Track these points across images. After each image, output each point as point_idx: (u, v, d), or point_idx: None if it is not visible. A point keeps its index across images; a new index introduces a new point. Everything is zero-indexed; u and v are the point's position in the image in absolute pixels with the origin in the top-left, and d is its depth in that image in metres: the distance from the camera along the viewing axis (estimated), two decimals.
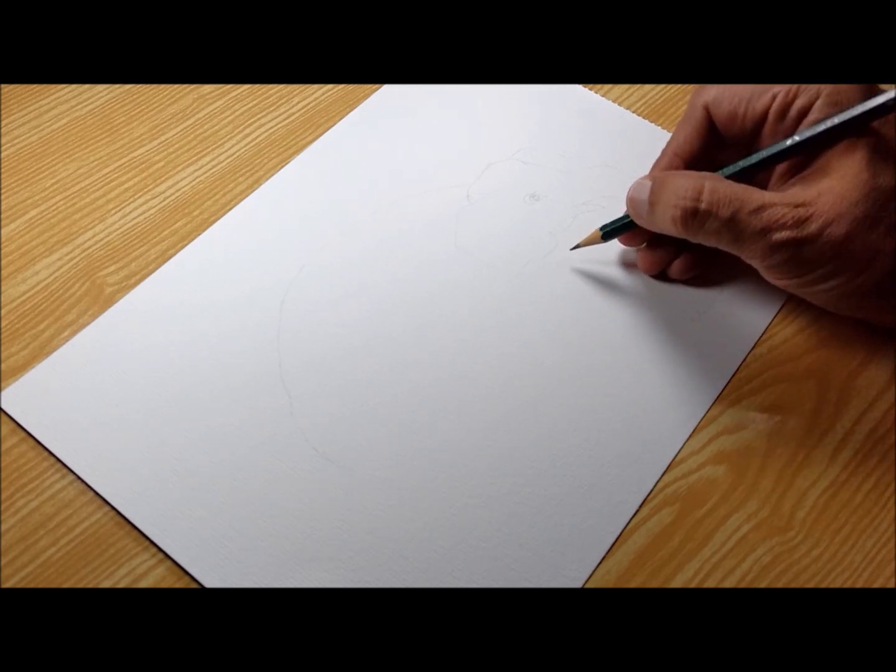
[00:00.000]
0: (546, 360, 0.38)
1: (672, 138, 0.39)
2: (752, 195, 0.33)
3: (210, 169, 0.44)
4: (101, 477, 0.34)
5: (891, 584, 0.33)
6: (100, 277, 0.40)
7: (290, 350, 0.37)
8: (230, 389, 0.36)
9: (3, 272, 0.40)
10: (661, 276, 0.40)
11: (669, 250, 0.39)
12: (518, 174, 0.44)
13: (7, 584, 0.32)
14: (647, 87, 0.48)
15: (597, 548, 0.33)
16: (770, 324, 0.39)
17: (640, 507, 0.34)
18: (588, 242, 0.40)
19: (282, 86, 0.47)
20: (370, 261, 0.40)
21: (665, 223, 0.35)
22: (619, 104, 0.47)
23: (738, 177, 0.35)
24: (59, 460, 0.34)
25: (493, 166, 0.44)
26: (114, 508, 0.33)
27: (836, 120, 0.33)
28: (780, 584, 0.33)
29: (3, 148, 0.44)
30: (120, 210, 0.42)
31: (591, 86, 0.48)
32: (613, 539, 0.33)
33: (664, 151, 0.39)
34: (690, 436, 0.36)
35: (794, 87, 0.35)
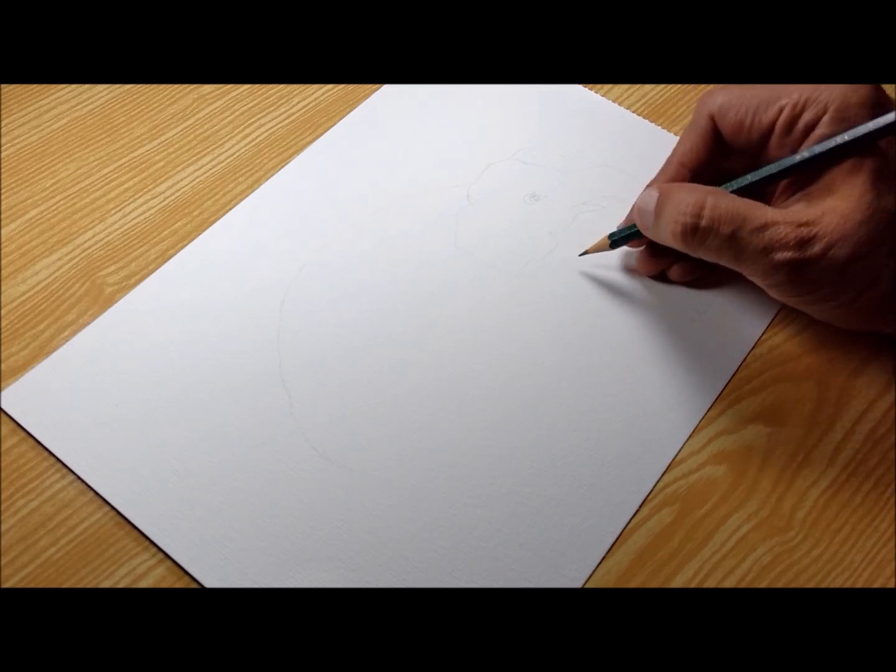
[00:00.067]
0: (546, 361, 0.38)
1: (678, 146, 0.38)
2: (755, 212, 0.33)
3: (210, 169, 0.44)
4: (101, 477, 0.34)
5: (891, 584, 0.33)
6: (100, 277, 0.40)
7: (290, 350, 0.37)
8: (230, 389, 0.36)
9: (3, 272, 0.40)
10: (661, 276, 0.40)
11: (669, 254, 0.39)
12: (518, 174, 0.44)
13: (7, 584, 0.32)
14: (647, 87, 0.48)
15: (597, 548, 0.33)
16: (770, 324, 0.39)
17: (640, 507, 0.34)
18: (596, 249, 0.40)
19: (282, 86, 0.47)
20: (370, 261, 0.40)
21: (667, 237, 0.35)
22: (619, 104, 0.47)
23: (743, 191, 0.35)
24: (59, 460, 0.34)
25: (493, 166, 0.44)
26: (114, 508, 0.33)
27: (844, 137, 0.33)
28: (780, 584, 0.33)
29: (3, 148, 0.44)
30: (120, 210, 0.42)
31: (591, 86, 0.48)
32: (613, 539, 0.33)
33: (669, 160, 0.39)
34: (690, 436, 0.36)
35: (802, 100, 0.34)
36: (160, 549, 0.32)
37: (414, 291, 0.39)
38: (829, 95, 0.33)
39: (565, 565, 0.33)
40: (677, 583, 0.33)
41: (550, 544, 0.33)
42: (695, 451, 0.36)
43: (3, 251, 0.40)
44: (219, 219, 0.42)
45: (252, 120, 0.46)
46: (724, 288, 0.40)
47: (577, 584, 0.32)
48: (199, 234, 0.41)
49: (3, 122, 0.45)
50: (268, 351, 0.37)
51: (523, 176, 0.44)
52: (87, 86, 0.47)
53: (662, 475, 0.35)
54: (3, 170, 0.43)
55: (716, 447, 0.36)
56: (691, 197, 0.34)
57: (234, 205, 0.42)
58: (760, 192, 0.36)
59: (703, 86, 0.48)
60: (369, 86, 0.47)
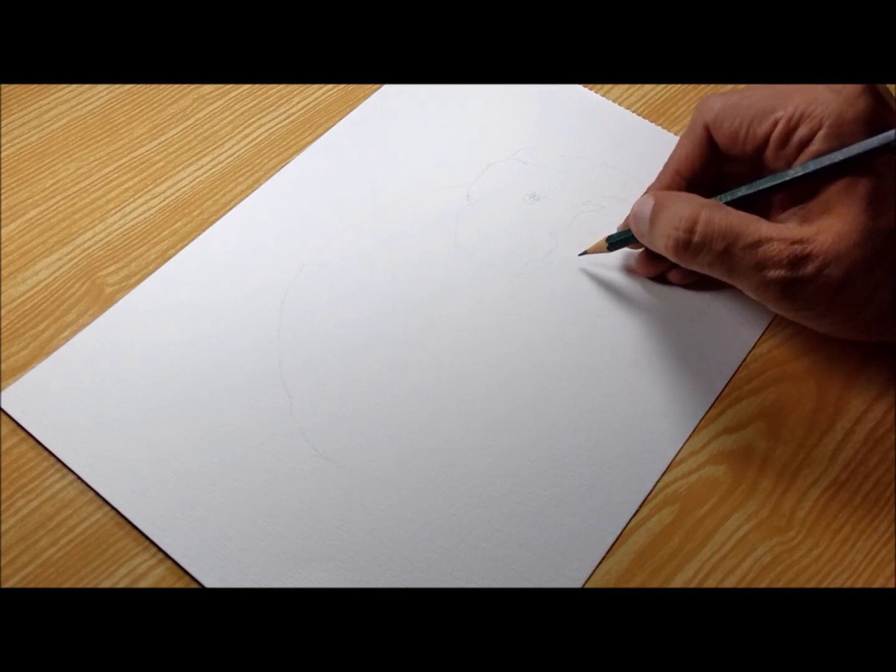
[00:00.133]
0: (546, 360, 0.38)
1: (674, 153, 0.38)
2: (749, 228, 0.32)
3: (210, 169, 0.44)
4: (101, 477, 0.34)
5: (891, 584, 0.33)
6: (100, 277, 0.40)
7: (290, 350, 0.37)
8: (230, 389, 0.36)
9: (3, 272, 0.40)
10: (661, 277, 0.40)
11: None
12: (518, 174, 0.44)
13: (7, 584, 0.32)
14: (647, 87, 0.48)
15: (597, 548, 0.33)
16: (770, 324, 0.39)
17: (640, 507, 0.34)
18: (594, 251, 0.40)
19: (282, 86, 0.47)
20: (370, 261, 0.40)
21: (660, 248, 0.35)
22: (619, 104, 0.47)
23: (737, 203, 0.35)
24: (59, 460, 0.34)
25: (492, 166, 0.44)
26: (114, 508, 0.33)
27: (837, 157, 0.32)
28: (780, 584, 0.33)
29: (3, 148, 0.44)
30: (120, 210, 0.42)
31: (591, 86, 0.48)
32: (613, 539, 0.33)
33: (666, 166, 0.39)
34: (690, 436, 0.36)
35: (797, 114, 0.33)
36: (160, 549, 0.33)
37: (414, 291, 0.39)
38: (824, 110, 0.33)
39: (565, 565, 0.33)
40: (677, 583, 0.33)
41: (550, 544, 0.33)
42: (695, 451, 0.36)
43: (3, 251, 0.40)
44: (219, 219, 0.42)
45: (252, 120, 0.46)
46: (724, 288, 0.40)
47: (577, 584, 0.32)
48: (199, 234, 0.41)
49: (3, 122, 0.45)
50: (268, 351, 0.37)
51: (523, 176, 0.44)
52: (87, 86, 0.47)
53: (662, 475, 0.35)
54: (3, 170, 0.43)
55: (716, 447, 0.36)
56: (685, 210, 0.33)
57: (234, 205, 0.42)
58: (757, 202, 0.36)
59: (703, 86, 0.48)
60: (369, 86, 0.47)
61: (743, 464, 0.35)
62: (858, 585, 0.33)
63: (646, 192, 0.38)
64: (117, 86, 0.47)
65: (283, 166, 0.44)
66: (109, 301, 0.39)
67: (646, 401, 0.37)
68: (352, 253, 0.41)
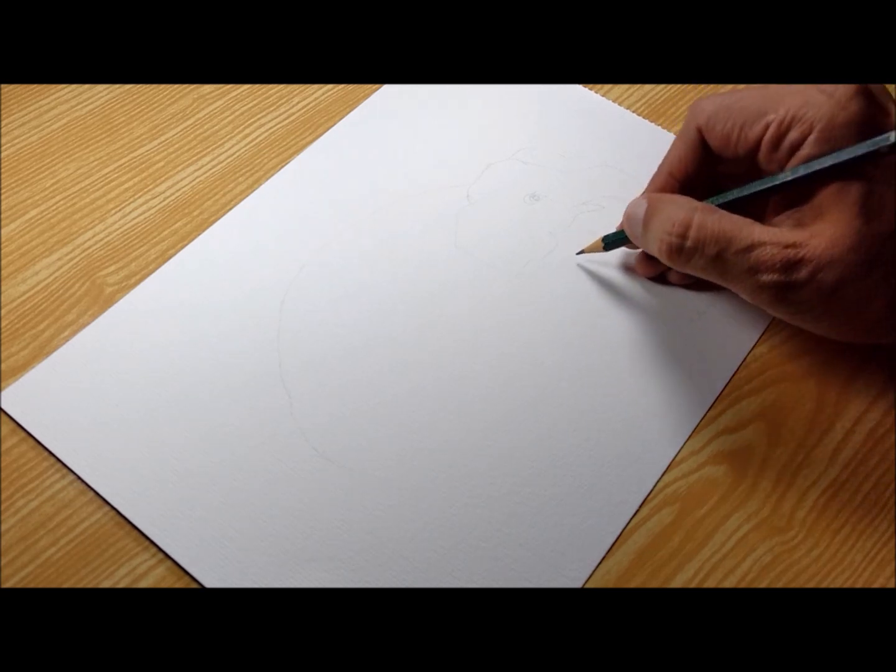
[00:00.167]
0: (546, 360, 0.38)
1: (668, 155, 0.38)
2: (741, 232, 0.32)
3: (210, 169, 0.44)
4: (101, 477, 0.34)
5: (891, 584, 0.33)
6: (100, 277, 0.40)
7: (290, 350, 0.37)
8: (230, 389, 0.36)
9: (3, 272, 0.40)
10: (661, 277, 0.40)
11: None
12: (518, 174, 0.44)
13: (7, 584, 0.32)
14: (647, 87, 0.48)
15: (597, 548, 0.33)
16: (770, 324, 0.39)
17: (640, 507, 0.34)
18: (591, 250, 0.40)
19: (282, 86, 0.47)
20: (370, 261, 0.40)
21: (653, 251, 0.35)
22: (619, 104, 0.47)
23: (730, 205, 0.35)
24: (59, 460, 0.34)
25: (492, 166, 0.44)
26: (114, 508, 0.33)
27: (826, 162, 0.32)
28: (780, 584, 0.33)
29: (3, 148, 0.44)
30: (120, 210, 0.42)
31: (591, 86, 0.48)
32: (613, 539, 0.33)
33: (660, 168, 0.38)
34: (690, 436, 0.36)
35: (788, 117, 0.33)
36: (160, 549, 0.33)
37: (414, 291, 0.39)
38: (815, 113, 0.33)
39: (565, 565, 0.33)
40: (677, 583, 0.33)
41: (550, 544, 0.33)
42: (695, 451, 0.36)
43: (3, 251, 0.40)
44: (219, 219, 0.42)
45: (252, 120, 0.46)
46: (723, 289, 0.39)
47: (577, 584, 0.32)
48: (199, 234, 0.41)
49: (3, 122, 0.45)
50: (268, 351, 0.37)
51: (523, 176, 0.44)
52: (87, 86, 0.47)
53: (662, 475, 0.35)
54: (3, 170, 0.43)
55: (716, 447, 0.36)
56: (678, 214, 0.33)
57: (234, 205, 0.42)
58: (752, 205, 0.35)
59: (702, 86, 0.48)
60: (369, 86, 0.47)
61: (743, 464, 0.35)
62: (858, 585, 0.33)
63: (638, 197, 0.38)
64: (117, 86, 0.47)
65: (283, 166, 0.44)
66: (109, 301, 0.39)
67: (646, 401, 0.37)
68: (352, 253, 0.41)
